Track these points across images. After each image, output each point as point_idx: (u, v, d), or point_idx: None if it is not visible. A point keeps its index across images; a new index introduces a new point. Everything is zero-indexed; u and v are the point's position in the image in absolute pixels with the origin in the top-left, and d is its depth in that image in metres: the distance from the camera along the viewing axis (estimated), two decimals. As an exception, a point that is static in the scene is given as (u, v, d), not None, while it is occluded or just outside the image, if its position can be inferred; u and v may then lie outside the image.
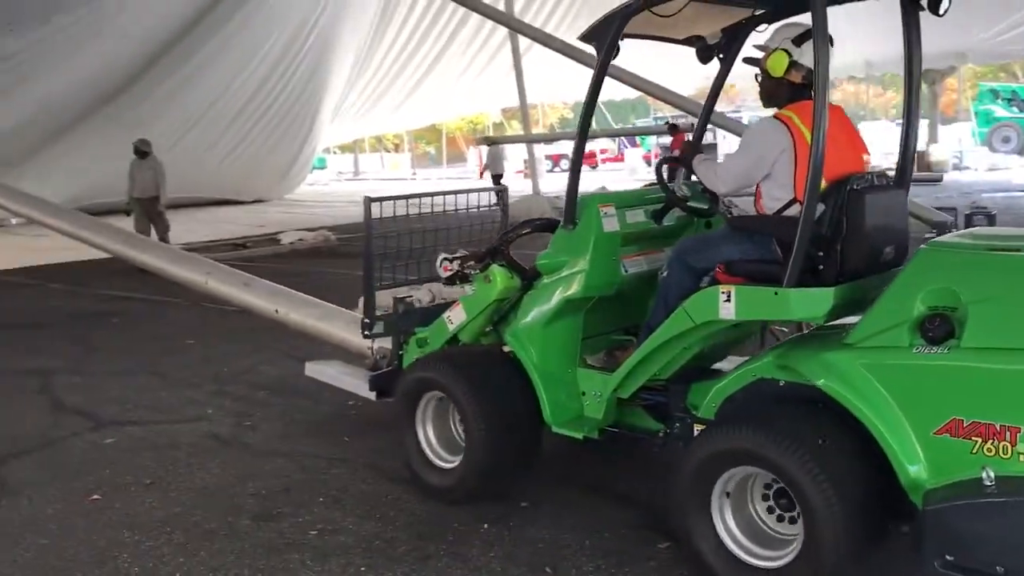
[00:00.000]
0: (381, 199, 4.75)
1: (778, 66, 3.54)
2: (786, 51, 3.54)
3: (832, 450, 3.02)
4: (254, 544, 3.80)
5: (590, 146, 26.36)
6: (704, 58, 4.19)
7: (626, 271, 3.98)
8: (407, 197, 4.94)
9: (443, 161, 58.01)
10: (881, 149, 12.62)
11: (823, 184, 3.26)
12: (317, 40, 22.28)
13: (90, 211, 15.89)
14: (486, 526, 3.90)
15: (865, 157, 3.63)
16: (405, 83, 28.07)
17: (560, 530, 3.82)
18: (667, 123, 17.62)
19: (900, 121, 4.01)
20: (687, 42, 4.24)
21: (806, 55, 3.47)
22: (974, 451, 2.81)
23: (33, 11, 14.99)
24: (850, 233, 3.28)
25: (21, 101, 16.88)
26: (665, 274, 3.78)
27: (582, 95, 4.09)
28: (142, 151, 13.36)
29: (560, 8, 25.27)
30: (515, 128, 39.90)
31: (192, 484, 4.52)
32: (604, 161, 41.23)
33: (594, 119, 5.24)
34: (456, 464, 4.11)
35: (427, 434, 4.28)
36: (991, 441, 2.78)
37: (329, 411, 5.61)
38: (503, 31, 22.09)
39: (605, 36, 3.77)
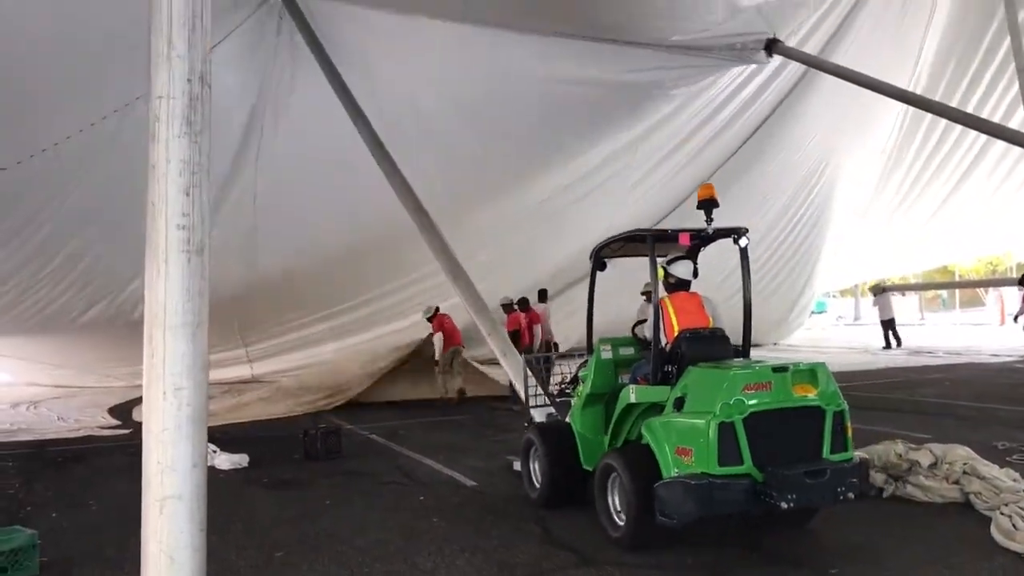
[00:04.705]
0: (530, 359, 9.19)
1: (661, 274, 6.57)
2: (664, 267, 6.59)
3: (637, 463, 5.88)
4: None
5: None
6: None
7: (622, 381, 6.80)
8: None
9: (955, 305, 52.77)
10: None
11: (675, 332, 6.26)
12: (824, 187, 21.50)
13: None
14: None
15: (708, 320, 6.44)
16: (912, 223, 25.48)
17: None
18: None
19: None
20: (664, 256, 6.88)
21: (674, 270, 6.60)
22: (682, 462, 5.50)
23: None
24: (681, 359, 6.07)
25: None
26: (627, 381, 6.66)
27: None
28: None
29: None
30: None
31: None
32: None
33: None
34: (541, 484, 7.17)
35: (533, 468, 7.36)
36: (684, 456, 5.50)
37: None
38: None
39: (592, 259, 7.34)
